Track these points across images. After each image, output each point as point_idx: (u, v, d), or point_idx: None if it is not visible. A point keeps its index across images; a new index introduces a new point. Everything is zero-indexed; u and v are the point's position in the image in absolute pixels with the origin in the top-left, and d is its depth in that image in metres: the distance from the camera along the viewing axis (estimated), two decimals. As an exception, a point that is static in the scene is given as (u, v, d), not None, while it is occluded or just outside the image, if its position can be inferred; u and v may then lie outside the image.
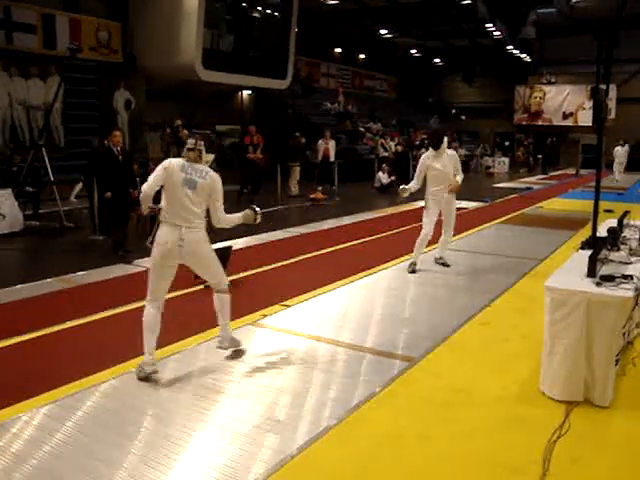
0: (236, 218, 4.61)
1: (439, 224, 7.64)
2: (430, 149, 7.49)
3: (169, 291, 4.54)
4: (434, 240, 7.73)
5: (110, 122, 15.96)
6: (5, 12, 13.60)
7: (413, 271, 7.44)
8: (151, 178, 4.36)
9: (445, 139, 7.48)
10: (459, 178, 7.43)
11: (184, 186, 4.28)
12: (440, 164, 7.31)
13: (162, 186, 4.38)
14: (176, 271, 4.44)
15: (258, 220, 4.68)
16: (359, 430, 3.65)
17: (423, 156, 7.55)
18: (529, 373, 4.43)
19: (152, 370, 4.30)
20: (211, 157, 4.53)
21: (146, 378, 4.27)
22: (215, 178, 4.40)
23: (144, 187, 4.40)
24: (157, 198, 4.48)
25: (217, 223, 4.57)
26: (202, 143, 4.43)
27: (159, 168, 4.36)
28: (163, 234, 4.32)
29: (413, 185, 7.45)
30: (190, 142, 4.40)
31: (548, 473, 3.17)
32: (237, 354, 4.78)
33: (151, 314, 4.34)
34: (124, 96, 16.60)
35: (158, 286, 4.37)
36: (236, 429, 3.63)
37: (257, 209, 4.65)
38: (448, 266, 7.70)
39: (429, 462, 3.32)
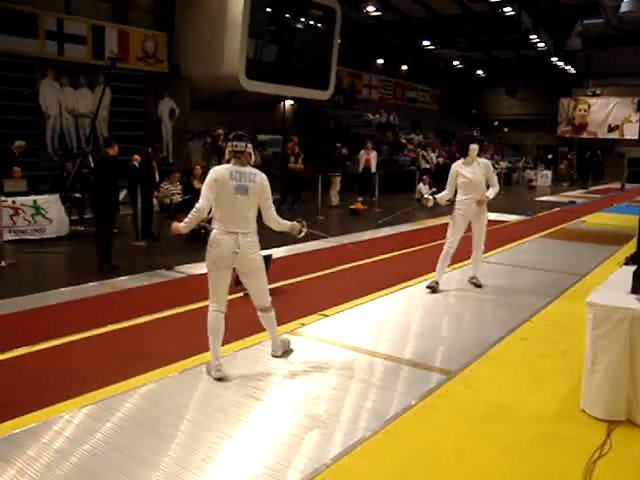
0: (285, 225, 4.72)
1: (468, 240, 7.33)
2: (461, 157, 7.20)
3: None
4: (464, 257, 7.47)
5: (155, 131, 16.35)
6: (58, 24, 14.07)
7: (434, 290, 7.02)
8: (203, 193, 4.38)
9: (473, 147, 7.03)
10: (491, 192, 7.02)
11: (236, 193, 4.33)
12: (469, 172, 6.97)
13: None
14: (232, 274, 4.56)
15: (302, 234, 4.82)
16: (394, 443, 3.62)
17: (454, 164, 7.22)
18: (569, 390, 4.34)
19: (218, 376, 4.40)
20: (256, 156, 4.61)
21: (219, 379, 4.42)
22: (264, 178, 4.48)
23: (199, 204, 4.38)
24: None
25: (267, 221, 4.65)
26: (251, 145, 4.49)
27: (208, 181, 4.39)
28: (218, 240, 4.37)
29: (443, 194, 7.12)
30: (240, 145, 4.41)
31: (587, 493, 3.11)
32: (287, 354, 5.02)
33: (214, 316, 4.46)
34: (169, 105, 16.94)
35: (217, 289, 4.48)
36: (271, 436, 3.65)
37: (304, 222, 4.81)
38: (480, 287, 7.30)
39: (464, 478, 3.27)
